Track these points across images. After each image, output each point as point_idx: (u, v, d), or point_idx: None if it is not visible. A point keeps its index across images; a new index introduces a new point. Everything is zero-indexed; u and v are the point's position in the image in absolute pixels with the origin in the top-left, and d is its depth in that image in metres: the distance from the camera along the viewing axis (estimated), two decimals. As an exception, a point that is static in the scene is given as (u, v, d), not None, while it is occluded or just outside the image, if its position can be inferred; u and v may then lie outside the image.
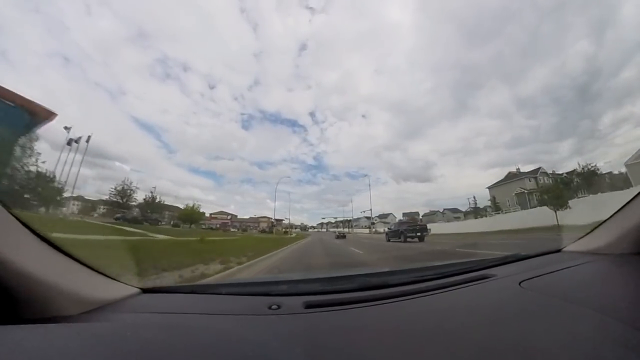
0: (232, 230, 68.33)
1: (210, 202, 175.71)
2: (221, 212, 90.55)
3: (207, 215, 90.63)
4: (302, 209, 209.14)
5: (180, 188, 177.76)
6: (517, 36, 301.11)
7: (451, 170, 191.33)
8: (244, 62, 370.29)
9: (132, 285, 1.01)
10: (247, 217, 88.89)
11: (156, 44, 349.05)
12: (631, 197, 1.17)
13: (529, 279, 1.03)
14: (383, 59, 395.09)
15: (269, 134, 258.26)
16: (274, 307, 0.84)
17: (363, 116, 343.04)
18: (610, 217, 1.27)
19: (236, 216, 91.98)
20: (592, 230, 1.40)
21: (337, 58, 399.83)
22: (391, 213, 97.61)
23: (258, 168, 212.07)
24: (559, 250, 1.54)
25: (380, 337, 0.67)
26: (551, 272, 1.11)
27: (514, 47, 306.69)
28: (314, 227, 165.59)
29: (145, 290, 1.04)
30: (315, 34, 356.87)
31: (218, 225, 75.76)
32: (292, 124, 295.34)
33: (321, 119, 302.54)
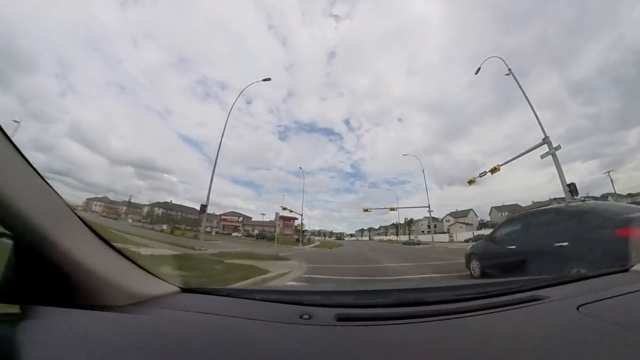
0: (234, 234, 47.82)
1: (251, 211, 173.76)
2: (232, 213, 71.05)
3: (218, 215, 72.21)
4: (341, 217, 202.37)
5: (223, 198, 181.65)
6: (561, 12, 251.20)
7: (500, 171, 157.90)
8: (276, 76, 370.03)
9: (173, 284, 1.08)
10: (267, 220, 68.03)
11: (195, 67, 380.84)
12: None
13: (589, 302, 0.88)
14: (414, 58, 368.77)
15: (305, 144, 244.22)
16: (305, 316, 0.84)
17: (399, 119, 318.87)
18: None
19: (250, 218, 71.86)
20: None
21: (366, 62, 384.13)
22: (471, 209, 69.17)
23: (296, 177, 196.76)
24: (626, 270, 1.36)
25: (414, 358, 0.63)
26: (616, 296, 0.96)
27: (559, 25, 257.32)
28: (352, 235, 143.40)
29: (184, 290, 1.09)
30: (343, 41, 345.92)
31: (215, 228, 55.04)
32: (328, 132, 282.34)
33: (356, 126, 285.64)
